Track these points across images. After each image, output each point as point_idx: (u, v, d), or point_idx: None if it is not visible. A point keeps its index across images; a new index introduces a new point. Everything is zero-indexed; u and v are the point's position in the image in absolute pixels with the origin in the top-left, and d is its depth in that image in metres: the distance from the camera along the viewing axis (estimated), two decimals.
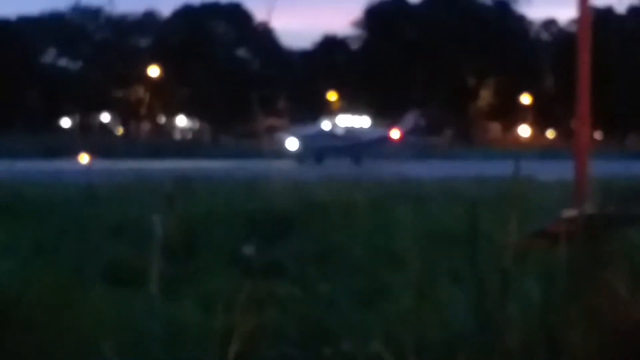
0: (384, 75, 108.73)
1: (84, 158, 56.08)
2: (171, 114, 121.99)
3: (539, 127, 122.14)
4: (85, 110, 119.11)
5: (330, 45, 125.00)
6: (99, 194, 21.10)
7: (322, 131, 68.13)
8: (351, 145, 64.00)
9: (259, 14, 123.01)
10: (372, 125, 74.53)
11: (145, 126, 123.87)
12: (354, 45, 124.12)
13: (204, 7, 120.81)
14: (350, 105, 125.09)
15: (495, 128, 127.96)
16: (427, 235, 12.12)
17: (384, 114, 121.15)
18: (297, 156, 60.32)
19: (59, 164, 52.16)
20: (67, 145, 61.88)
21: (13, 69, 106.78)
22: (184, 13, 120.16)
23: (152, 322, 7.85)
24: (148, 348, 7.53)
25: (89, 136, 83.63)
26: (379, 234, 13.54)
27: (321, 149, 62.20)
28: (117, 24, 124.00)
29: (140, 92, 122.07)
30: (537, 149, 69.91)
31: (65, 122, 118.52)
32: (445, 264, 8.92)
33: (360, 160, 60.95)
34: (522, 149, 66.27)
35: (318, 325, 7.44)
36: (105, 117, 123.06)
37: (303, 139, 64.12)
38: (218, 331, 7.18)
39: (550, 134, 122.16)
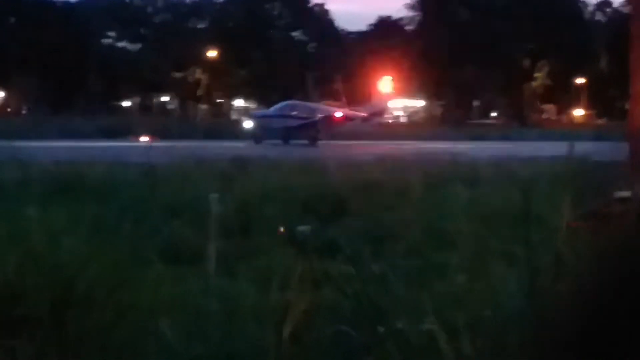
0: (438, 57, 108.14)
1: (143, 139, 56.59)
2: (228, 96, 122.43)
3: (594, 109, 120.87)
4: (144, 91, 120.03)
5: (384, 27, 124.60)
6: (158, 174, 21.31)
7: (272, 112, 68.11)
8: (297, 126, 63.70)
9: None
10: (325, 106, 73.83)
11: (203, 108, 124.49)
12: (409, 27, 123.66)
13: None
14: (405, 86, 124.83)
15: (549, 110, 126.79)
16: (480, 216, 12.12)
17: (438, 95, 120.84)
18: (253, 136, 60.43)
19: (119, 145, 52.69)
20: (127, 126, 62.58)
21: (74, 51, 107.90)
22: None
23: (208, 300, 7.97)
24: (204, 325, 7.64)
25: (149, 117, 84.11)
26: (432, 213, 13.55)
27: (270, 129, 62.15)
28: (175, 7, 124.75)
29: (198, 74, 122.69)
30: (591, 131, 69.06)
31: (125, 104, 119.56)
32: (498, 244, 8.93)
33: (314, 140, 60.80)
34: (576, 131, 65.50)
35: (372, 304, 7.50)
36: (164, 99, 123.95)
37: (256, 120, 64.58)
38: (273, 309, 7.27)
39: (604, 115, 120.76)
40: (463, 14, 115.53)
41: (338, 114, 67.14)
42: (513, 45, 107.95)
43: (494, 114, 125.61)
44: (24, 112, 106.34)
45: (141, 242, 10.97)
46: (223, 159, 25.56)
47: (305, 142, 60.24)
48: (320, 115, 65.53)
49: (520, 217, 7.14)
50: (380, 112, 73.54)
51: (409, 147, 35.72)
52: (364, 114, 72.48)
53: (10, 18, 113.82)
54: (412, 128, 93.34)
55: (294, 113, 65.92)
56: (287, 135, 61.93)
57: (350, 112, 76.13)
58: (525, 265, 6.97)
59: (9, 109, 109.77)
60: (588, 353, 5.72)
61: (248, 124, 64.34)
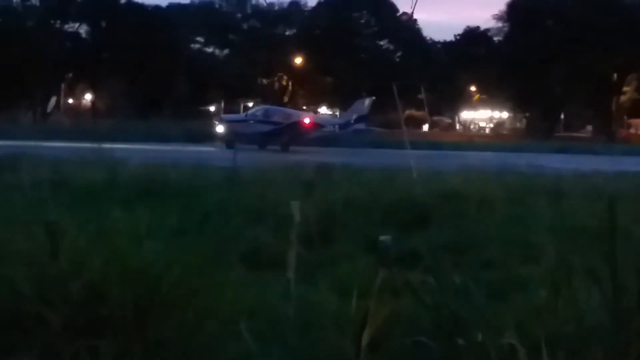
0: (524, 69, 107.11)
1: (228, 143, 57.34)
2: (313, 103, 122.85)
3: None
4: (230, 97, 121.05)
5: (471, 37, 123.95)
6: (241, 179, 21.48)
7: (242, 117, 66.81)
8: (267, 132, 62.31)
9: (402, 5, 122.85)
10: (297, 113, 71.94)
11: None
12: (496, 38, 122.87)
13: None
14: (491, 97, 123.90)
15: (637, 125, 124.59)
16: (564, 229, 11.98)
17: (524, 106, 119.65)
18: (225, 141, 59.52)
19: (204, 149, 53.25)
20: (212, 131, 63.30)
21: (163, 56, 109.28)
22: (328, 3, 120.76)
23: (288, 306, 8.00)
24: (284, 331, 7.68)
25: None
26: (515, 226, 13.43)
27: (241, 134, 60.88)
28: (263, 14, 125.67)
29: (284, 80, 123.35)
30: None
31: (211, 109, 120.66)
32: (581, 259, 8.82)
33: (286, 146, 59.43)
34: None
35: (451, 315, 7.46)
36: (249, 104, 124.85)
37: (227, 124, 63.40)
38: (352, 317, 7.27)
39: None
40: (551, 25, 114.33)
41: (306, 120, 65.41)
42: (601, 58, 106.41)
43: (581, 127, 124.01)
44: (112, 114, 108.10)
45: (223, 246, 11.06)
46: (313, 166, 25.64)
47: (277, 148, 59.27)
48: (290, 121, 64.10)
49: (605, 232, 7.03)
50: (359, 119, 70.55)
51: (492, 158, 35.47)
52: (340, 121, 70.99)
53: (101, 22, 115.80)
54: (496, 139, 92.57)
55: (267, 118, 64.69)
56: (260, 140, 60.68)
57: (326, 119, 74.88)
58: (609, 282, 6.87)
59: (97, 112, 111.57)
60: None
61: (220, 129, 63.33)
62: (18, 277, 7.44)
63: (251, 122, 63.52)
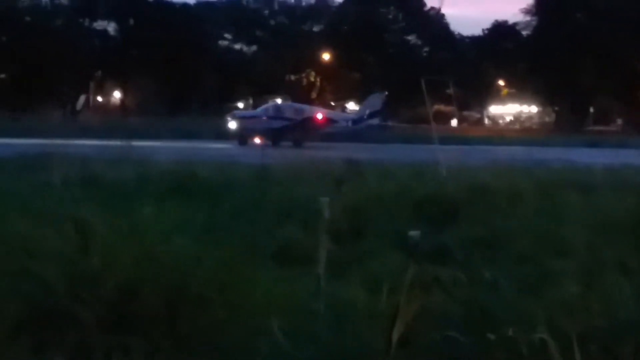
0: (553, 63, 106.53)
1: (256, 141, 57.35)
2: (341, 99, 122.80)
3: None
4: (258, 93, 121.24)
5: (500, 31, 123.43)
6: (270, 176, 21.50)
7: (254, 113, 66.11)
8: (279, 128, 61.54)
9: (430, 0, 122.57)
10: (309, 108, 71.04)
11: None
12: (524, 32, 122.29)
13: None
14: (519, 92, 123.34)
15: None
16: (595, 224, 11.90)
17: (553, 100, 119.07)
18: (237, 138, 58.95)
19: (232, 146, 53.36)
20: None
21: (191, 53, 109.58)
22: None
23: (318, 302, 8.00)
24: (314, 327, 7.68)
25: None
26: (545, 220, 13.35)
27: (253, 130, 60.20)
28: (291, 10, 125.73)
29: (312, 76, 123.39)
30: None
31: (240, 105, 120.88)
32: (613, 253, 8.77)
33: (299, 142, 58.64)
34: None
35: (482, 310, 7.45)
36: (277, 101, 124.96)
37: (239, 121, 62.69)
38: (383, 313, 7.27)
39: None
40: (580, 18, 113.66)
41: (319, 115, 64.86)
42: (631, 50, 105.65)
43: (611, 121, 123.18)
44: (140, 112, 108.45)
45: (253, 243, 11.07)
46: (335, 162, 25.64)
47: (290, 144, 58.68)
48: (303, 117, 63.60)
49: (636, 226, 7.00)
50: (372, 114, 69.78)
51: (521, 152, 35.31)
52: (353, 117, 70.43)
53: (129, 20, 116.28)
54: (525, 133, 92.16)
55: (279, 114, 64.17)
56: (272, 136, 60.21)
57: (339, 114, 74.28)
58: None
59: (126, 109, 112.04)
60: None
61: (232, 125, 62.77)
62: (50, 274, 7.49)
63: (263, 118, 63.22)
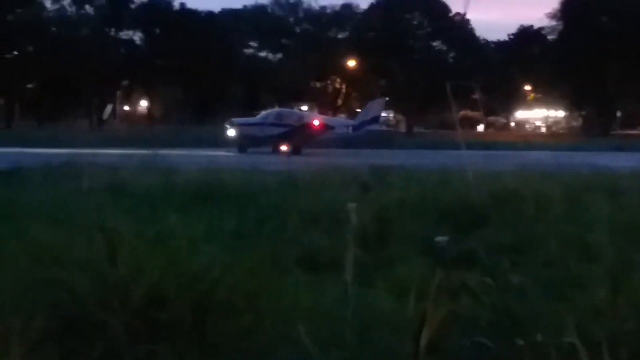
0: (579, 67, 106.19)
1: (283, 148, 57.32)
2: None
3: None
4: (284, 101, 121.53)
5: (525, 36, 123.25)
6: (296, 182, 21.51)
7: (254, 120, 65.86)
8: (278, 135, 61.18)
9: (455, 6, 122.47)
10: (307, 114, 70.43)
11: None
12: (550, 37, 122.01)
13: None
14: (546, 96, 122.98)
15: None
16: (622, 228, 11.83)
17: (580, 105, 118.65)
18: (236, 144, 58.67)
19: (257, 153, 53.48)
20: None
21: (217, 61, 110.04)
22: (380, 5, 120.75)
23: (345, 309, 7.99)
24: (341, 333, 7.67)
25: None
26: (573, 225, 13.28)
27: (251, 137, 59.91)
28: (316, 17, 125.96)
29: (337, 83, 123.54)
30: None
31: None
32: None
33: (297, 149, 58.23)
34: None
35: (510, 315, 7.41)
36: (303, 108, 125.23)
37: (238, 128, 62.36)
38: (410, 319, 7.25)
39: None
40: (606, 22, 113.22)
41: (315, 121, 64.52)
42: None
43: (638, 125, 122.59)
44: (167, 120, 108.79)
45: (280, 249, 11.08)
46: (362, 167, 25.63)
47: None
48: (300, 123, 63.30)
49: None
50: (372, 120, 69.45)
51: (548, 157, 35.17)
52: (353, 123, 70.15)
53: (155, 29, 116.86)
54: (552, 138, 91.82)
55: (278, 121, 63.89)
56: (271, 143, 60.02)
57: (339, 120, 73.96)
58: None
59: (153, 118, 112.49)
60: None
61: (231, 132, 62.04)
62: (78, 282, 7.51)
63: (263, 125, 63.16)
